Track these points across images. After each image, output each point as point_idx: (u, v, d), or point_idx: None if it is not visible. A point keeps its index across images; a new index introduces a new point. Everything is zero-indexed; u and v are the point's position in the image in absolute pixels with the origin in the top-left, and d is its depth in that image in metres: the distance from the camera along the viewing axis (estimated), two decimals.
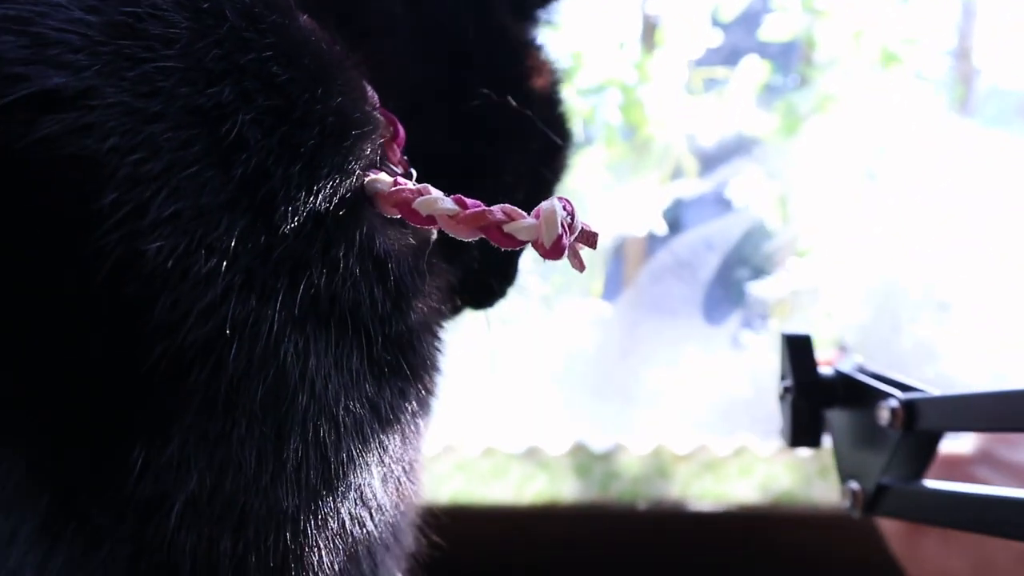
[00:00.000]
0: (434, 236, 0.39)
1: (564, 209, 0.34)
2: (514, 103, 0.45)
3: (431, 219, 0.35)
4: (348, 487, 0.32)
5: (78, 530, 0.27)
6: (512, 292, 0.56)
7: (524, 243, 0.35)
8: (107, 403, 0.27)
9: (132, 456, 0.27)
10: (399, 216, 0.35)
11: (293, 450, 0.30)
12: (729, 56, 1.44)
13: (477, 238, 0.35)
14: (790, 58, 1.51)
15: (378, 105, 0.38)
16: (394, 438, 0.35)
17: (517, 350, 1.15)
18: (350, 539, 0.32)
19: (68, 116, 0.27)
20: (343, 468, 0.32)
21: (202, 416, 0.28)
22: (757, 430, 1.06)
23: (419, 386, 0.37)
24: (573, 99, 1.34)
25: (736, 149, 1.40)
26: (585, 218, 0.36)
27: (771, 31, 1.42)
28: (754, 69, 1.40)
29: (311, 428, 0.30)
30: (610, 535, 0.99)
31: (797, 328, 0.52)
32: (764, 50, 1.44)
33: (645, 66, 1.39)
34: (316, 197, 0.31)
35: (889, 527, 0.60)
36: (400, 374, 0.35)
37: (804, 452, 1.00)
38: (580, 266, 0.36)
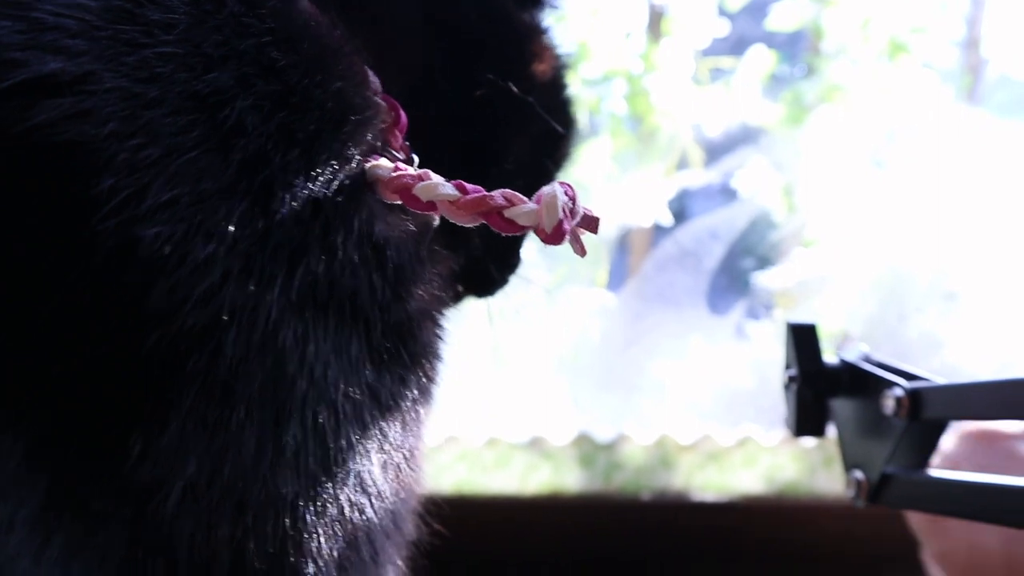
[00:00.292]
0: (436, 222, 0.39)
1: (565, 194, 0.34)
2: (516, 90, 0.45)
3: (431, 205, 0.35)
4: (347, 473, 0.32)
5: (76, 515, 0.27)
6: (514, 280, 0.55)
7: (525, 228, 0.34)
8: (105, 388, 0.27)
9: (130, 441, 0.27)
10: (400, 202, 0.35)
11: (292, 436, 0.30)
12: (736, 46, 1.44)
13: (478, 224, 0.35)
14: (797, 48, 1.50)
15: (380, 91, 0.38)
16: (394, 425, 0.35)
17: (521, 340, 1.15)
18: (349, 525, 0.32)
19: (66, 101, 0.27)
20: (342, 454, 0.32)
21: (200, 402, 0.28)
22: (761, 420, 1.06)
23: (420, 373, 0.37)
24: (579, 89, 1.33)
25: (742, 139, 1.40)
26: (588, 205, 0.36)
27: (778, 20, 1.41)
28: (761, 59, 1.40)
29: (310, 414, 0.30)
30: (613, 525, 0.99)
31: (803, 318, 0.52)
32: (771, 39, 1.43)
33: (651, 56, 1.39)
34: (314, 183, 0.31)
35: None
36: (400, 361, 0.35)
37: (808, 442, 1.00)
38: (581, 251, 0.36)
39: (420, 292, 0.36)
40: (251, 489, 0.29)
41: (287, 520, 0.30)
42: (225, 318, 0.28)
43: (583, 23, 1.37)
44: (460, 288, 0.49)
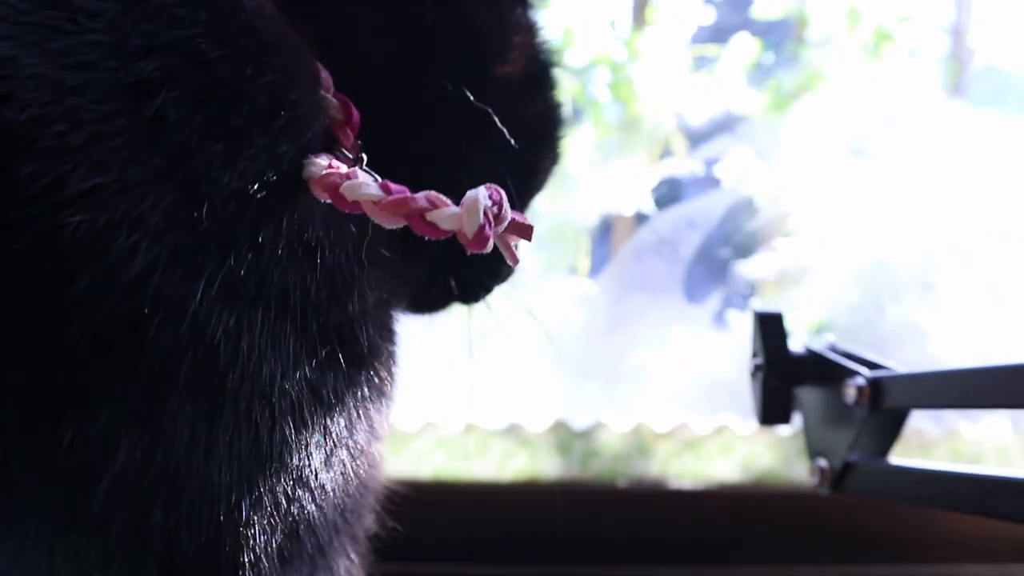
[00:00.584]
0: (394, 226, 0.38)
1: (490, 199, 0.33)
2: (471, 97, 0.41)
3: (357, 204, 0.33)
4: (283, 467, 0.32)
5: (8, 498, 0.27)
6: (501, 288, 0.53)
7: (448, 232, 0.33)
8: (34, 376, 0.27)
9: (61, 429, 0.27)
10: (329, 201, 0.34)
11: (225, 428, 0.29)
12: (720, 33, 1.43)
13: (401, 226, 0.33)
14: (782, 36, 1.50)
15: (331, 87, 0.36)
16: (338, 422, 0.34)
17: (499, 327, 1.15)
18: (289, 518, 0.32)
19: None
20: (278, 448, 0.31)
21: (130, 391, 0.28)
22: (738, 409, 1.06)
23: (371, 373, 0.36)
24: (562, 78, 1.32)
25: (725, 127, 1.39)
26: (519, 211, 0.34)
27: (763, 8, 1.41)
28: (745, 47, 1.39)
29: (243, 407, 0.30)
30: (590, 512, 0.99)
31: (782, 307, 0.51)
32: (755, 27, 1.42)
33: (635, 44, 1.38)
34: (242, 178, 0.30)
35: None
36: (343, 361, 0.34)
37: (785, 431, 1.00)
38: (513, 259, 0.34)
39: (362, 296, 0.35)
40: (184, 479, 0.29)
41: (222, 510, 0.30)
42: (151, 308, 0.28)
43: (567, 10, 1.36)
44: (446, 297, 0.48)
